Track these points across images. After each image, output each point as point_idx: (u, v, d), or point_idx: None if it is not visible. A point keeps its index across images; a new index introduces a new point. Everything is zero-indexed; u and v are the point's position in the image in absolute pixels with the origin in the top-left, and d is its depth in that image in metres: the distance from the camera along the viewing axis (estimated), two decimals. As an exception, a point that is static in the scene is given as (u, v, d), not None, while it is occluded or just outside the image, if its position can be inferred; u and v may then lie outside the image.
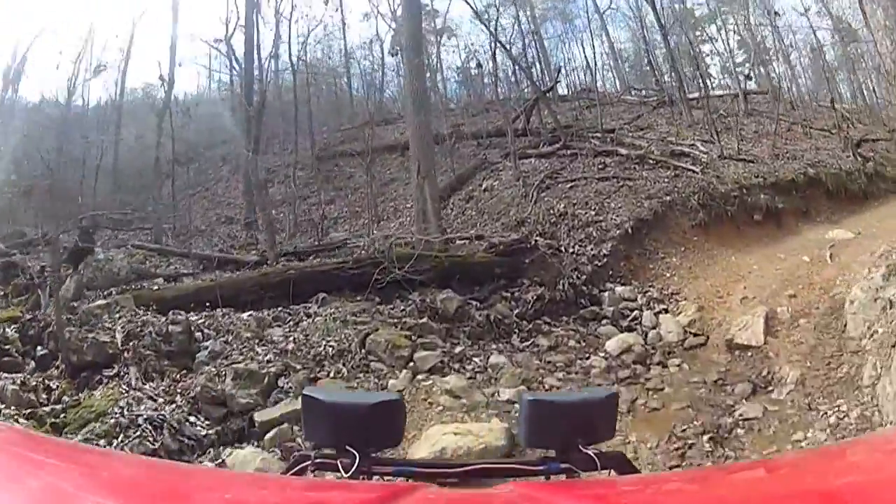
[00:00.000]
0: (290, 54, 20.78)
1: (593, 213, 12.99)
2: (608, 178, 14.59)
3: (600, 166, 15.65)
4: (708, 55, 25.81)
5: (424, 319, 8.92)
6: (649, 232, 12.57)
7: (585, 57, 25.17)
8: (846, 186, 15.74)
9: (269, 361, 7.48)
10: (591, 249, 11.85)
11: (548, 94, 19.82)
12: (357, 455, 1.23)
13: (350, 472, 1.22)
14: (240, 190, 18.03)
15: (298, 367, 7.48)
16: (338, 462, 1.24)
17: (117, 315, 8.23)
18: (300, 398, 1.40)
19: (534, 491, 1.05)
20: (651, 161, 15.66)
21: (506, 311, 10.01)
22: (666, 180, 14.43)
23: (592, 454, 1.29)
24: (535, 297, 10.28)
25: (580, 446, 1.30)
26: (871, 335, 6.87)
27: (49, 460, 0.94)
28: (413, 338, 8.37)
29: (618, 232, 12.20)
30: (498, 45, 18.74)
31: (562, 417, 1.36)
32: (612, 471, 1.30)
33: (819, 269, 9.72)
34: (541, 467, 1.34)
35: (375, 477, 1.27)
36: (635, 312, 9.82)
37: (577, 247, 12.01)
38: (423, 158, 12.30)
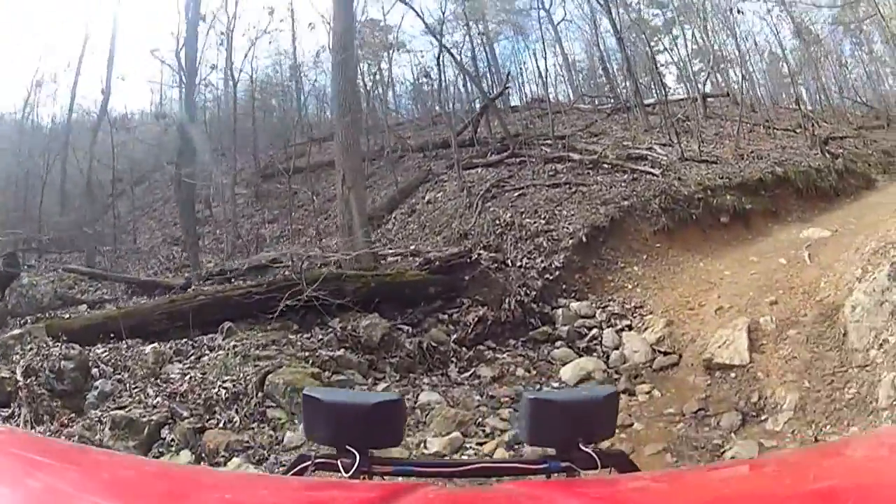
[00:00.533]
0: (228, 67, 19.75)
1: (543, 221, 11.64)
2: (559, 185, 13.30)
3: (551, 173, 14.38)
4: (664, 65, 24.96)
5: (342, 351, 7.63)
6: (606, 240, 11.29)
7: (538, 67, 24.38)
8: (816, 184, 14.77)
9: (155, 407, 6.36)
10: (542, 262, 10.47)
11: (497, 103, 18.82)
12: (357, 455, 1.22)
13: (350, 472, 1.20)
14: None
15: (186, 413, 6.26)
16: (338, 462, 1.22)
17: (28, 347, 7.21)
18: (301, 398, 1.33)
19: (534, 489, 1.04)
20: (606, 166, 14.46)
21: (442, 336, 8.52)
22: (623, 184, 13.18)
23: (593, 453, 1.27)
24: (476, 319, 8.82)
25: (580, 445, 1.28)
26: (880, 345, 5.78)
27: (49, 461, 0.93)
28: (326, 374, 7.21)
29: (571, 241, 10.86)
30: (447, 54, 18.48)
31: (562, 416, 1.32)
32: (612, 469, 1.28)
33: (798, 271, 8.94)
34: (541, 466, 1.31)
35: (376, 476, 1.26)
36: (594, 331, 8.77)
37: (525, 259, 10.64)
38: (349, 167, 10.80)
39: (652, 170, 13.72)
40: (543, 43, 23.82)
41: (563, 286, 9.93)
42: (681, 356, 7.64)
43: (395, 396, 1.41)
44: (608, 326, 8.79)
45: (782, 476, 0.95)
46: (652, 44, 24.34)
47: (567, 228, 11.22)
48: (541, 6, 24.18)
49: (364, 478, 1.23)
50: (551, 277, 10.03)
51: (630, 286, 10.21)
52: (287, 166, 15.88)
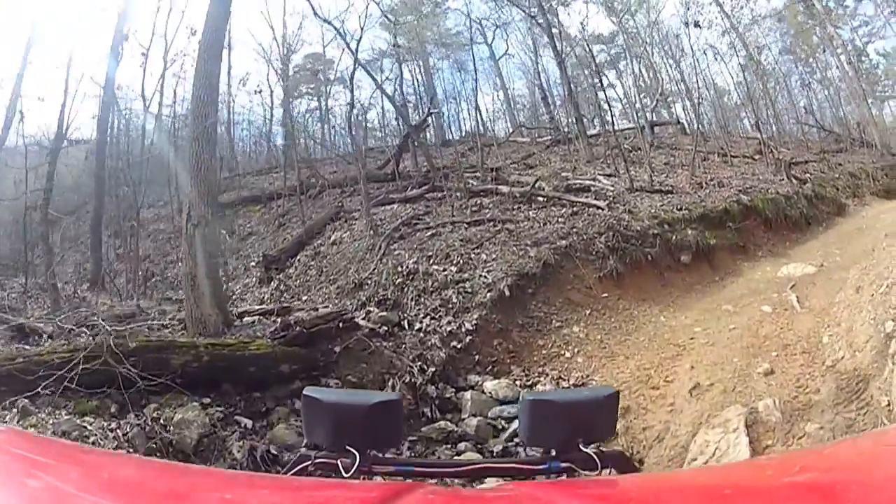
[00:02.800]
0: (141, 92, 17.60)
1: (455, 269, 9.29)
2: (482, 222, 11.04)
3: (474, 208, 12.18)
4: (609, 101, 24.03)
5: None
6: (537, 292, 8.96)
7: (475, 101, 23.10)
8: (786, 213, 13.03)
9: None
10: (449, 323, 8.08)
11: (426, 136, 17.78)
12: (357, 455, 1.23)
13: (350, 472, 1.21)
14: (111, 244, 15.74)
15: None
16: (338, 462, 1.23)
17: None
18: (301, 398, 1.35)
19: (534, 490, 1.06)
20: (541, 199, 12.36)
21: (291, 436, 5.93)
22: (560, 220, 10.97)
23: (592, 453, 1.27)
24: None
25: (580, 445, 1.28)
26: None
27: (49, 461, 0.94)
28: None
29: (489, 295, 8.51)
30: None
31: (562, 416, 1.32)
32: (612, 469, 1.27)
33: (789, 322, 7.29)
34: (541, 466, 1.31)
35: (376, 476, 1.27)
36: (516, 424, 6.24)
37: (427, 320, 8.24)
38: (197, 196, 8.18)
39: (596, 202, 11.58)
40: (475, 75, 22.61)
41: (476, 357, 7.73)
42: (642, 463, 5.15)
43: (395, 396, 1.40)
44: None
45: (782, 476, 0.94)
46: (596, 79, 23.84)
47: (485, 278, 8.85)
48: (483, 40, 24.01)
49: (364, 478, 1.23)
50: (459, 346, 7.71)
51: (568, 353, 7.84)
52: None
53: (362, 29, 16.81)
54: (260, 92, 20.18)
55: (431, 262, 9.62)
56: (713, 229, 11.37)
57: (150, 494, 0.85)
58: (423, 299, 8.66)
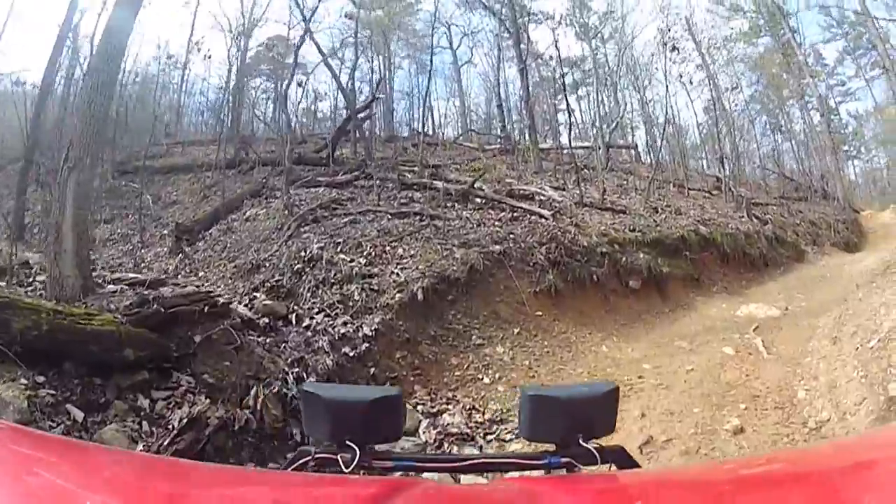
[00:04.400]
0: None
1: (364, 261, 7.81)
2: (408, 215, 9.66)
3: (403, 200, 10.88)
4: (568, 113, 23.65)
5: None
6: (458, 299, 7.55)
7: (426, 100, 22.78)
8: (744, 250, 12.15)
9: None
10: (344, 325, 6.51)
11: (365, 121, 16.12)
12: (357, 450, 1.20)
13: (350, 467, 1.18)
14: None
15: None
16: (338, 457, 1.20)
17: None
18: (300, 393, 1.45)
19: (534, 485, 1.08)
20: (479, 200, 10.97)
21: (121, 440, 4.44)
22: (497, 224, 9.60)
23: (593, 449, 1.24)
24: (187, 420, 4.64)
25: (580, 441, 1.25)
26: None
27: (49, 458, 0.94)
28: None
29: (398, 296, 7.02)
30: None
31: (562, 412, 1.29)
32: (612, 465, 1.25)
33: (755, 368, 6.33)
34: (541, 462, 1.28)
35: (376, 472, 1.24)
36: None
37: (320, 317, 6.68)
38: (79, 139, 6.48)
39: (540, 210, 10.27)
40: (430, 76, 21.95)
41: (371, 370, 6.19)
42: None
43: (395, 391, 1.32)
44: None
45: (783, 474, 0.95)
46: (559, 96, 23.76)
47: (397, 275, 7.37)
48: (449, 45, 24.28)
49: (364, 473, 1.22)
50: (353, 353, 6.11)
51: (488, 379, 6.38)
52: (142, 164, 14.58)
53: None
54: (209, 57, 20.29)
55: (339, 249, 8.15)
56: (667, 257, 10.26)
57: (150, 491, 0.85)
58: (320, 291, 7.16)
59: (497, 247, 8.46)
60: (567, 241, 9.01)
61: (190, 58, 22.07)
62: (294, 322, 6.53)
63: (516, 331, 7.31)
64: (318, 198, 11.04)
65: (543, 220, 9.85)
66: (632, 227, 10.54)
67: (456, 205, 10.67)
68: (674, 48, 18.46)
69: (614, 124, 20.78)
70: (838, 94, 22.36)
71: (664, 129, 17.68)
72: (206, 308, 5.68)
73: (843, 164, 21.58)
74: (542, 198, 11.51)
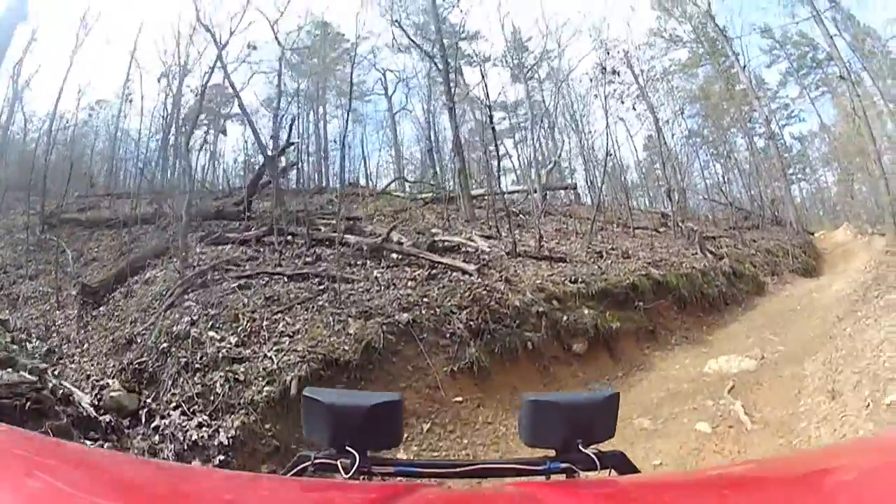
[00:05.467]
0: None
1: (234, 339, 6.28)
2: (307, 277, 8.24)
3: (309, 258, 9.43)
4: (498, 160, 22.95)
5: None
6: (350, 385, 5.99)
7: (363, 151, 23.32)
8: (702, 291, 10.79)
9: None
10: (199, 427, 5.21)
11: (284, 171, 15.94)
12: (357, 455, 1.21)
13: (350, 473, 1.20)
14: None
15: None
16: (338, 462, 1.22)
17: None
18: (301, 399, 1.36)
19: (534, 491, 1.05)
20: (395, 256, 9.49)
21: None
22: (411, 285, 8.01)
23: (592, 454, 1.25)
24: None
25: (580, 446, 1.27)
26: None
27: (49, 461, 0.92)
28: None
29: (266, 389, 5.54)
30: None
31: (562, 417, 1.31)
32: (612, 470, 1.26)
33: (741, 448, 5.07)
34: (541, 467, 1.29)
35: (375, 477, 1.26)
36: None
37: (176, 414, 5.40)
38: None
39: (463, 265, 8.77)
40: (345, 120, 21.05)
41: None
42: None
43: (395, 397, 1.34)
44: None
45: (784, 478, 0.95)
46: (490, 145, 23.40)
47: (269, 360, 5.73)
48: (384, 92, 23.77)
49: (363, 478, 1.23)
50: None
51: None
52: (69, 216, 14.21)
53: (231, 33, 15.46)
54: (130, 101, 19.71)
55: (211, 324, 6.59)
56: (616, 309, 8.82)
57: (151, 495, 0.85)
58: (181, 380, 5.75)
59: (405, 315, 6.90)
60: (494, 301, 7.48)
61: (127, 106, 21.12)
62: (143, 421, 5.40)
63: (426, 427, 5.73)
64: (220, 256, 9.63)
65: (466, 277, 8.35)
66: (573, 278, 9.08)
67: (367, 262, 9.20)
68: (613, 72, 17.67)
69: (552, 164, 19.83)
70: (781, 117, 22.56)
71: (605, 162, 16.58)
72: (28, 404, 4.45)
73: (790, 188, 21.30)
74: (469, 249, 10.07)
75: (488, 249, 10.04)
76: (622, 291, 9.18)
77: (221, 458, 4.88)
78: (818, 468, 0.97)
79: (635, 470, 1.27)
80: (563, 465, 1.25)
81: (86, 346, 7.73)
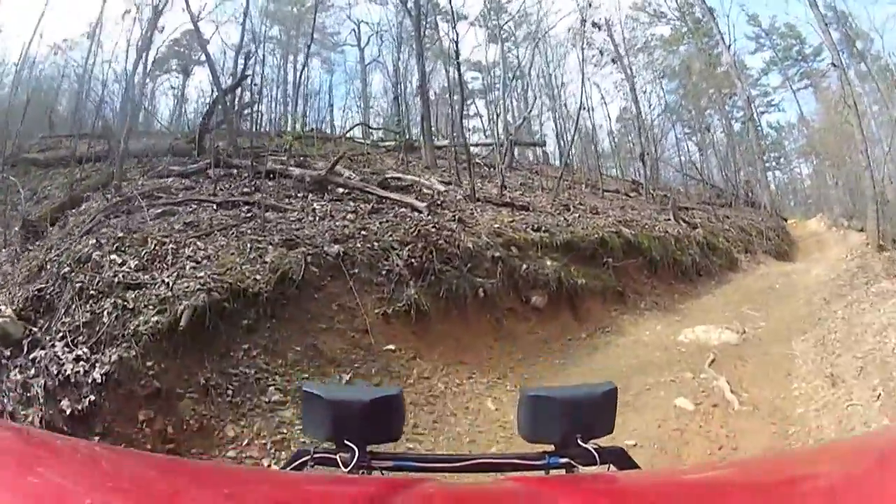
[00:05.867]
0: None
1: (134, 263, 5.33)
2: (237, 205, 7.28)
3: (247, 189, 8.40)
4: (472, 130, 22.60)
5: None
6: (258, 326, 4.94)
7: (330, 99, 22.30)
8: (675, 258, 9.91)
9: None
10: (78, 360, 4.24)
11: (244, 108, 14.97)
12: (357, 450, 1.20)
13: (350, 467, 1.18)
14: None
15: None
16: (337, 457, 1.20)
17: None
18: (301, 393, 1.36)
19: (533, 485, 1.06)
20: (341, 190, 8.44)
21: None
22: (350, 217, 6.88)
23: (592, 449, 1.23)
24: None
25: (579, 441, 1.24)
26: None
27: (50, 457, 0.92)
28: None
29: (155, 318, 4.55)
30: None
31: (561, 412, 1.29)
32: (611, 466, 1.24)
33: (728, 431, 4.20)
34: (540, 462, 1.28)
35: (375, 471, 1.24)
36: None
37: (60, 345, 4.43)
38: None
39: (413, 201, 7.66)
40: (305, 58, 20.09)
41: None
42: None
43: (395, 391, 1.33)
44: None
45: (783, 475, 0.93)
46: (456, 97, 22.39)
47: (164, 287, 4.77)
48: (357, 43, 22.90)
49: (363, 473, 1.21)
50: (70, 409, 4.00)
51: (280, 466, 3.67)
52: (29, 157, 13.61)
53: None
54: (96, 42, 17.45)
55: (115, 247, 5.57)
56: (582, 265, 7.86)
57: (151, 490, 0.84)
58: (73, 307, 4.78)
59: (336, 247, 5.79)
60: (443, 240, 6.40)
61: (97, 47, 19.15)
62: (25, 351, 4.49)
63: (347, 377, 4.63)
64: (158, 186, 8.68)
65: (416, 214, 7.26)
66: (536, 226, 8.05)
67: (310, 195, 8.09)
68: (594, 24, 16.84)
69: (522, 120, 18.88)
70: (760, 104, 22.09)
71: (578, 116, 15.57)
72: None
73: (766, 172, 20.89)
74: (424, 189, 8.97)
75: (444, 190, 8.96)
76: (589, 246, 8.23)
77: (90, 398, 3.87)
78: (820, 464, 0.94)
79: (635, 465, 1.23)
80: (563, 460, 1.24)
81: (9, 277, 6.72)
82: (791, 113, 22.49)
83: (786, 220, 18.72)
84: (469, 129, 23.44)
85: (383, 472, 1.23)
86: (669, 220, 11.54)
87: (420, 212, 7.38)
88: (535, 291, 6.81)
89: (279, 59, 22.37)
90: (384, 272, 5.81)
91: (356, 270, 5.62)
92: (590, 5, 17.31)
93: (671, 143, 22.82)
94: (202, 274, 4.97)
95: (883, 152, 13.51)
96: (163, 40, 19.57)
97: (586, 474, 1.21)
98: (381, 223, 6.73)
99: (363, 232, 6.31)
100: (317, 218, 6.87)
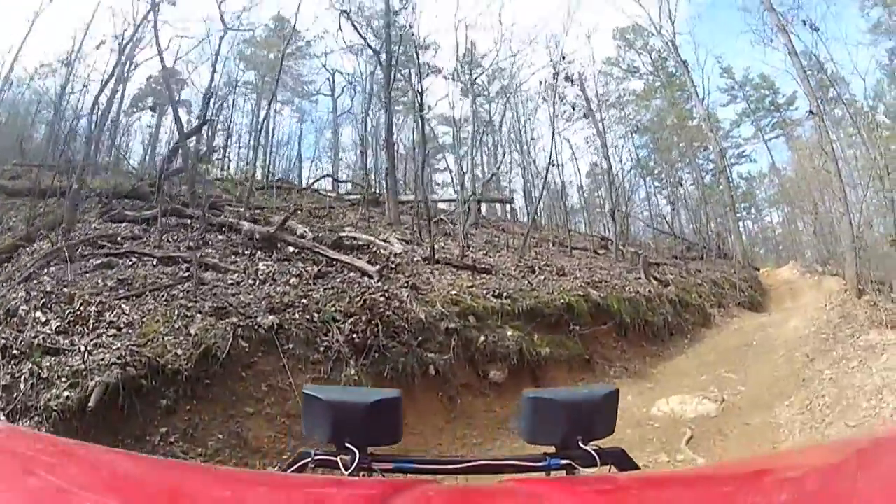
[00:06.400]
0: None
1: (57, 325, 4.97)
2: (177, 262, 6.86)
3: (191, 244, 7.94)
4: (441, 185, 23.73)
5: None
6: (177, 407, 4.43)
7: (299, 149, 23.12)
8: (646, 319, 9.47)
9: None
10: None
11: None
12: (357, 452, 1.20)
13: (350, 469, 1.18)
14: None
15: None
16: (338, 459, 1.20)
17: None
18: (301, 396, 1.33)
19: (534, 487, 1.03)
20: (292, 249, 8.02)
21: None
22: (293, 281, 6.42)
23: (592, 450, 1.24)
24: None
25: (580, 443, 1.25)
26: None
27: (49, 458, 0.89)
28: None
29: (67, 394, 4.10)
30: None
31: (562, 414, 1.29)
32: (611, 467, 1.25)
33: None
34: (540, 463, 1.29)
35: (375, 474, 1.25)
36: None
37: None
38: None
39: (365, 265, 7.19)
40: (268, 106, 19.57)
41: None
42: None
43: (395, 394, 1.31)
44: None
45: (783, 475, 0.90)
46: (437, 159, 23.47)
47: (82, 357, 4.30)
48: (331, 93, 23.26)
49: (364, 475, 1.22)
50: None
51: None
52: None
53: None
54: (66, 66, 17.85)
55: (43, 303, 5.21)
56: (547, 332, 7.42)
57: (150, 492, 0.83)
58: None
59: (271, 317, 5.26)
60: (392, 311, 5.86)
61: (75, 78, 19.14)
62: None
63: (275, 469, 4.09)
64: (105, 232, 8.31)
65: (365, 280, 6.76)
66: (497, 292, 7.58)
67: (258, 253, 7.61)
68: (567, 78, 16.79)
69: (490, 175, 18.77)
70: (731, 156, 22.73)
71: (546, 172, 15.33)
72: None
73: (738, 223, 21.11)
74: (380, 250, 8.50)
75: (401, 252, 8.50)
76: (555, 312, 7.75)
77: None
78: (820, 465, 0.92)
79: (635, 466, 1.25)
80: (563, 462, 1.24)
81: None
82: (763, 163, 23.26)
83: (758, 270, 18.66)
84: (439, 184, 23.91)
85: (384, 474, 1.24)
86: (640, 278, 11.15)
87: (370, 276, 6.88)
88: (494, 365, 6.29)
89: (253, 105, 22.76)
90: (322, 349, 5.25)
91: (291, 346, 5.07)
92: (563, 58, 17.48)
93: (641, 198, 23.16)
94: (119, 345, 4.42)
95: (858, 197, 13.44)
96: (145, 77, 20.20)
97: (587, 476, 1.22)
98: (325, 290, 6.22)
99: (304, 300, 5.78)
100: (258, 281, 6.36)
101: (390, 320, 5.73)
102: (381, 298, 6.04)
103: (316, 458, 1.21)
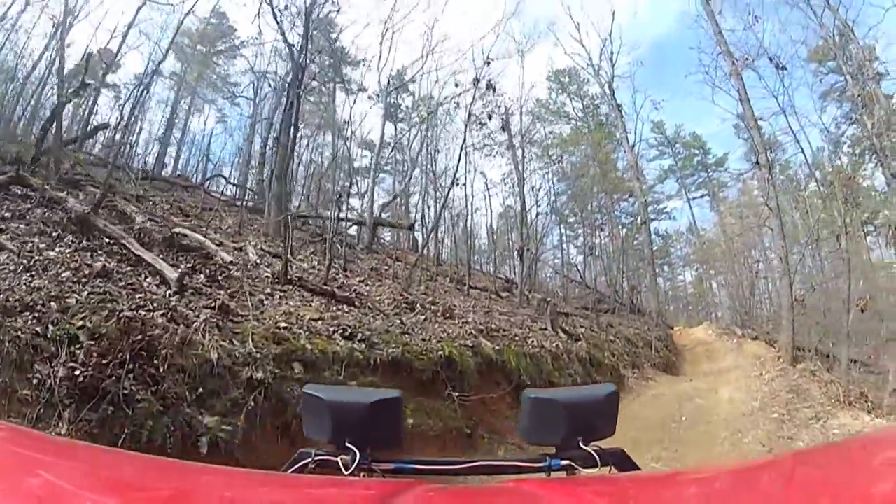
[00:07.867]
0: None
1: None
2: None
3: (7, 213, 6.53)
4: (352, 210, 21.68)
5: None
6: None
7: (207, 148, 23.27)
8: (551, 380, 7.89)
9: None
10: None
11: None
12: (357, 452, 1.21)
13: (350, 470, 1.19)
14: None
15: None
16: (338, 459, 1.21)
17: None
18: (302, 396, 1.35)
19: (534, 487, 1.07)
20: (107, 241, 6.18)
21: None
22: (63, 277, 4.36)
23: (592, 451, 1.25)
24: None
25: (580, 443, 1.26)
26: None
27: (49, 459, 0.90)
28: None
29: None
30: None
31: (562, 414, 1.30)
32: (612, 467, 1.26)
33: None
34: (541, 464, 1.29)
35: (376, 474, 1.25)
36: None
37: None
38: None
39: (167, 269, 5.46)
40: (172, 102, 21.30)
41: None
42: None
43: (395, 394, 1.32)
44: None
45: (783, 476, 0.95)
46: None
47: None
48: (254, 97, 22.86)
49: (364, 475, 1.23)
50: None
51: None
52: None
53: None
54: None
55: None
56: (415, 393, 5.60)
57: (150, 492, 0.84)
58: None
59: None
60: (163, 342, 3.83)
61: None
62: None
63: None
64: None
65: (157, 289, 4.75)
66: (352, 331, 5.65)
67: (69, 236, 5.79)
68: (489, 86, 16.22)
69: (392, 197, 17.86)
70: (652, 211, 23.09)
71: (451, 187, 13.97)
72: None
73: (656, 278, 21.11)
74: (209, 251, 6.64)
75: (230, 260, 6.59)
76: (428, 367, 5.95)
77: None
78: (820, 466, 0.94)
79: (635, 467, 1.24)
80: (564, 462, 1.24)
81: None
82: (682, 221, 24.13)
83: (671, 328, 18.26)
84: (354, 209, 22.77)
85: (384, 474, 1.23)
86: (546, 329, 9.56)
87: (168, 286, 4.88)
88: (323, 439, 4.37)
89: (174, 97, 22.72)
90: (35, 383, 3.22)
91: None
92: (487, 63, 16.46)
93: (554, 244, 22.99)
94: None
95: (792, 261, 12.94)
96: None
97: (587, 476, 1.22)
98: (90, 293, 4.14)
99: (52, 303, 3.73)
100: (21, 268, 4.25)
101: (157, 354, 3.71)
102: (160, 319, 4.02)
103: (316, 458, 1.19)
